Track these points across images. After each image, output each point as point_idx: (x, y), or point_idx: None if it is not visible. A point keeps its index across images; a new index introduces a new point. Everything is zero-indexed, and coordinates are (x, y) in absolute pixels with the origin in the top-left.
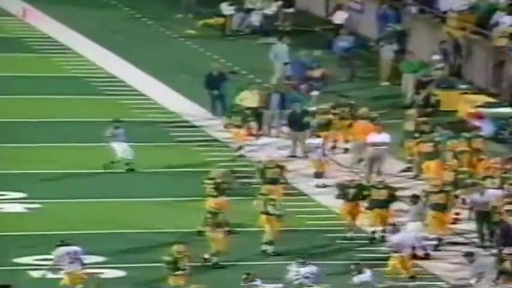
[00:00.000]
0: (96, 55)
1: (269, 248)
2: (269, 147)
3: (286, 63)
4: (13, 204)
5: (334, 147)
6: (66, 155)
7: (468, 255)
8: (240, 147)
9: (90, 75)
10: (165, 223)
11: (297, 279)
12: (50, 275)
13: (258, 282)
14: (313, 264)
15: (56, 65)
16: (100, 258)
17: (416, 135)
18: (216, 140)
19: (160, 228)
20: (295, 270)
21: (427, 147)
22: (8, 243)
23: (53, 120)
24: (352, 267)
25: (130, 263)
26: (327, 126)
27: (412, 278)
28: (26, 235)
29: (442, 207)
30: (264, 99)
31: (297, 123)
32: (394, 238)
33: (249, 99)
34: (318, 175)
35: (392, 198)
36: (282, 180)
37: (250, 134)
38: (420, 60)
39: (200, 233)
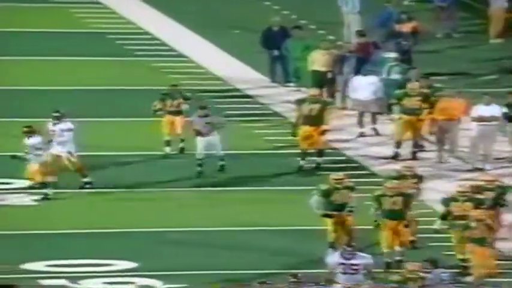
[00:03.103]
0: (124, 6)
1: None
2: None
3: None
4: (19, 195)
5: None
6: (85, 132)
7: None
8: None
9: (116, 30)
10: (216, 220)
11: None
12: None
13: None
14: None
15: (73, 18)
16: (131, 264)
17: None
18: (276, 114)
19: (207, 226)
20: None
21: None
22: (12, 245)
23: (65, 88)
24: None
25: (169, 270)
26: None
27: None
28: (35, 234)
29: None
30: (336, 62)
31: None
32: None
33: (320, 61)
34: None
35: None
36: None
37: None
38: None
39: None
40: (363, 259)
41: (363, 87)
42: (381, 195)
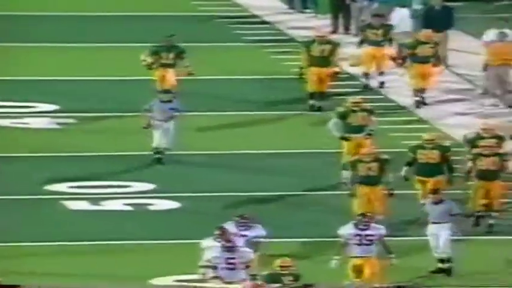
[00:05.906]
0: None
1: None
2: None
3: None
4: (42, 118)
5: None
6: (102, 57)
7: None
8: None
9: None
10: (234, 143)
11: None
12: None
13: None
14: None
15: None
16: (149, 186)
17: None
18: (292, 40)
19: (227, 149)
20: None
21: None
22: (37, 167)
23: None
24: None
25: (186, 192)
26: None
27: None
28: (58, 157)
29: None
30: None
31: (436, 22)
32: None
33: None
34: None
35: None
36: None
37: None
38: None
39: None
40: (378, 230)
41: (404, 19)
42: (356, 160)
